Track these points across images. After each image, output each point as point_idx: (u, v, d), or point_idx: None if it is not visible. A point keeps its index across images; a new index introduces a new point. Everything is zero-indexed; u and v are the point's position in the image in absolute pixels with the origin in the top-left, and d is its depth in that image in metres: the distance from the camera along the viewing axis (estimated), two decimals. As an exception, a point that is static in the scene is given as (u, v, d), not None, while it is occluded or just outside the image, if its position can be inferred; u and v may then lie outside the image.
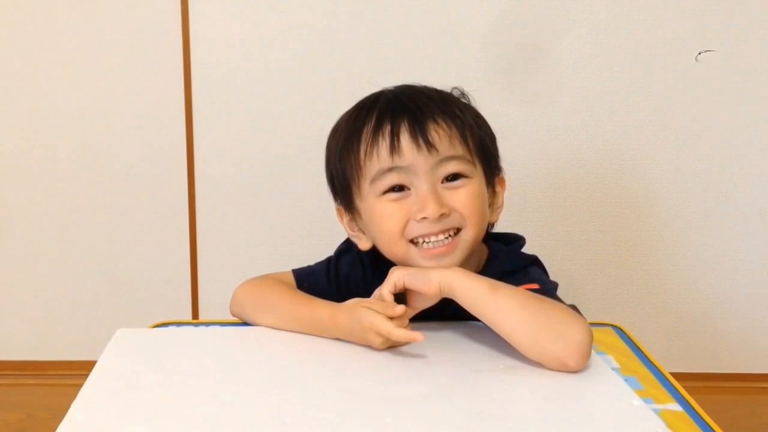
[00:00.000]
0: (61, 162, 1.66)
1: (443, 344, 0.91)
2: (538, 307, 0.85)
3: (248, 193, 1.67)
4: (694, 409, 0.80)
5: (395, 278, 0.88)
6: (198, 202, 1.67)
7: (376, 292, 0.91)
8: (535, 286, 0.92)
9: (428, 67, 1.59)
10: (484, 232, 0.95)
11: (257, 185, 1.66)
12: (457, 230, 0.91)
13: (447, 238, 0.90)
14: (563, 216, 1.68)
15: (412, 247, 0.91)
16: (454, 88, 1.01)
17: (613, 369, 0.88)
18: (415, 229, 0.90)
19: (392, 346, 0.88)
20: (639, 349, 0.97)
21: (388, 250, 0.94)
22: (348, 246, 1.05)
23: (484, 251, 1.01)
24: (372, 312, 0.86)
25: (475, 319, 0.90)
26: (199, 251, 1.69)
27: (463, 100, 1.00)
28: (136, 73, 1.63)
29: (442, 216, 0.89)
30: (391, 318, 0.86)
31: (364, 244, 0.98)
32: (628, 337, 1.01)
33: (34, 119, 1.66)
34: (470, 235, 0.92)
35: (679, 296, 1.73)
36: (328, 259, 1.06)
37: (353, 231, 0.99)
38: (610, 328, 1.05)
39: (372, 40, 1.59)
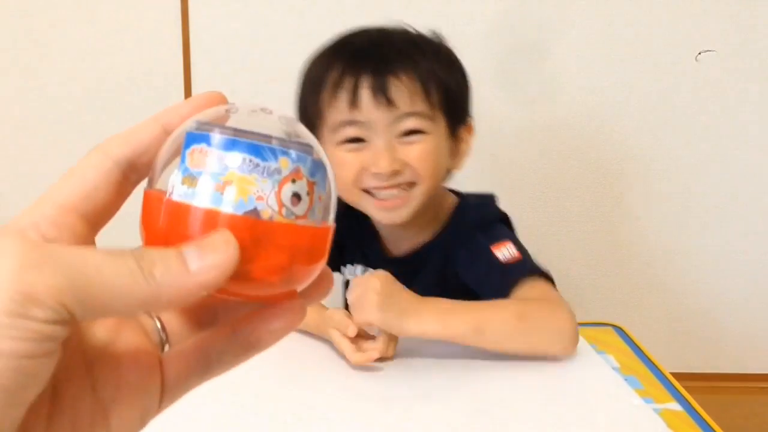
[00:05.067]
0: (61, 162, 1.66)
1: (443, 344, 0.91)
2: (521, 325, 0.85)
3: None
4: (694, 408, 0.80)
5: (370, 321, 0.83)
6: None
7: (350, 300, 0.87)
8: (518, 256, 0.93)
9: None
10: (438, 184, 0.98)
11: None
12: (411, 183, 0.93)
13: (400, 191, 0.93)
14: (563, 216, 1.68)
15: (365, 196, 0.94)
16: (431, 30, 1.00)
17: (614, 369, 0.88)
18: (369, 181, 0.93)
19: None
20: (639, 348, 0.97)
21: (343, 195, 0.95)
22: None
23: (451, 202, 1.04)
24: (336, 333, 0.86)
25: (476, 296, 0.92)
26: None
27: (437, 42, 0.99)
28: (136, 73, 1.63)
29: (394, 172, 0.91)
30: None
31: None
32: (629, 336, 1.01)
33: (34, 119, 1.66)
34: (423, 189, 0.94)
35: (679, 296, 1.73)
36: None
37: None
38: (610, 328, 1.05)
39: (372, 40, 1.59)
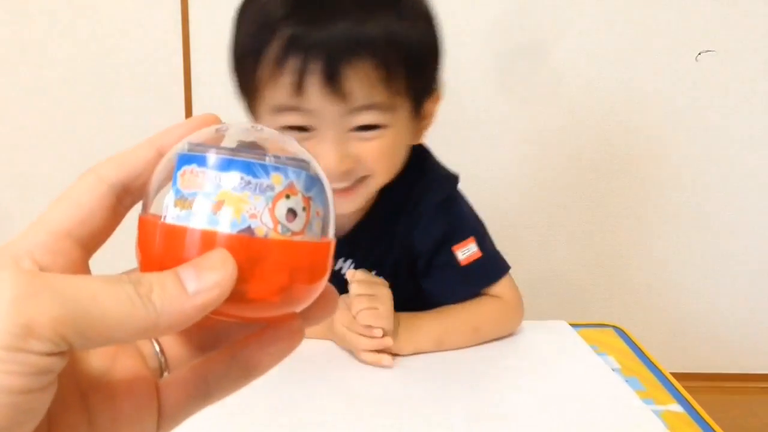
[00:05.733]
0: (60, 163, 1.66)
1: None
2: (476, 335, 0.89)
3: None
4: (695, 409, 0.80)
5: (383, 326, 0.81)
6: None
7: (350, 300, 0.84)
8: (478, 254, 0.91)
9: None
10: (393, 174, 0.85)
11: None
12: (364, 177, 0.82)
13: (350, 182, 0.81)
14: (563, 216, 1.68)
15: None
16: None
17: (614, 370, 0.87)
18: None
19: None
20: (640, 349, 0.97)
21: None
22: None
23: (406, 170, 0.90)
24: (349, 331, 0.83)
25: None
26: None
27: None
28: (136, 74, 1.63)
29: (345, 171, 0.79)
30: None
31: None
32: (629, 337, 1.01)
33: (34, 120, 1.66)
34: (376, 183, 0.83)
35: (679, 296, 1.73)
36: None
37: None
38: (610, 329, 1.04)
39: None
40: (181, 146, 0.27)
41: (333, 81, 0.74)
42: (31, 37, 1.62)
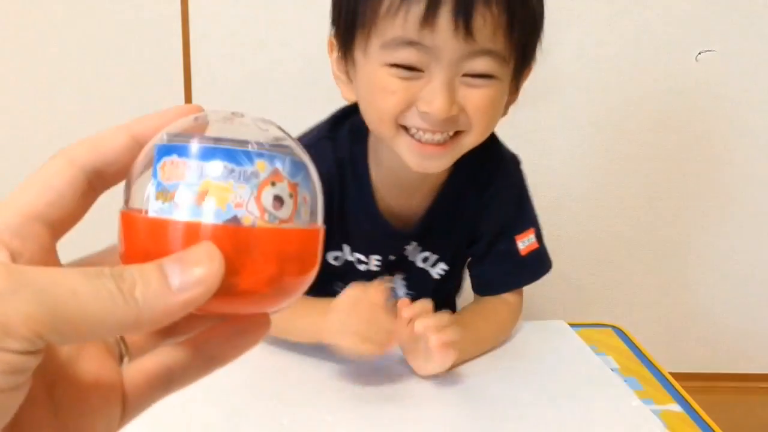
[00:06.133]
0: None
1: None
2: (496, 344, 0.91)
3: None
4: (694, 409, 0.80)
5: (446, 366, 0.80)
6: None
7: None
8: (535, 245, 0.94)
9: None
10: (484, 138, 0.81)
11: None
12: (459, 132, 0.78)
13: (445, 137, 0.77)
14: (563, 216, 1.68)
15: (402, 133, 0.77)
16: None
17: (613, 370, 0.87)
18: (414, 120, 0.75)
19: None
20: (639, 349, 0.97)
21: (374, 125, 0.80)
22: None
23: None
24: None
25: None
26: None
27: None
28: (136, 73, 1.62)
29: (450, 119, 0.75)
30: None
31: (348, 94, 0.84)
32: (628, 337, 1.01)
33: (33, 119, 1.66)
34: (471, 140, 0.78)
35: (679, 296, 1.73)
36: None
37: (339, 71, 0.85)
38: (610, 329, 1.05)
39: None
40: (160, 137, 0.26)
41: (465, 17, 0.70)
42: (31, 37, 1.62)
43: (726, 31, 1.60)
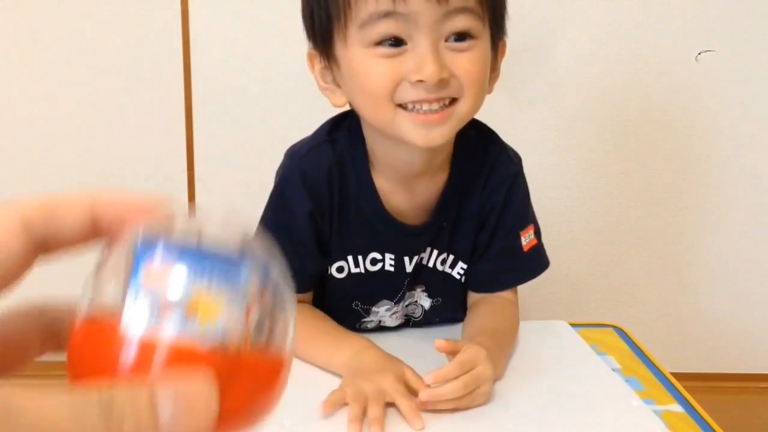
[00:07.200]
0: (60, 163, 1.66)
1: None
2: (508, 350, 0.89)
3: (249, 193, 1.67)
4: (695, 409, 0.80)
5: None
6: (198, 202, 1.67)
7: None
8: (534, 242, 0.94)
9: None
10: (480, 106, 0.81)
11: (257, 185, 1.66)
12: (453, 100, 0.78)
13: (441, 106, 0.77)
14: (563, 216, 1.68)
15: (400, 111, 0.77)
16: None
17: (614, 370, 0.87)
18: (408, 93, 0.75)
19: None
20: (640, 349, 0.97)
21: (370, 114, 0.80)
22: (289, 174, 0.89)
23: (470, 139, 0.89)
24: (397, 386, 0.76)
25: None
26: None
27: None
28: (137, 74, 1.62)
29: (441, 82, 0.74)
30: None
31: (337, 100, 0.84)
32: (629, 337, 1.01)
33: (34, 119, 1.65)
34: (467, 107, 0.78)
35: (679, 296, 1.73)
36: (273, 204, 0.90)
37: (325, 83, 0.84)
38: (610, 329, 1.04)
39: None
40: (136, 238, 0.23)
41: None
42: (31, 36, 1.62)
43: (726, 31, 1.60)
